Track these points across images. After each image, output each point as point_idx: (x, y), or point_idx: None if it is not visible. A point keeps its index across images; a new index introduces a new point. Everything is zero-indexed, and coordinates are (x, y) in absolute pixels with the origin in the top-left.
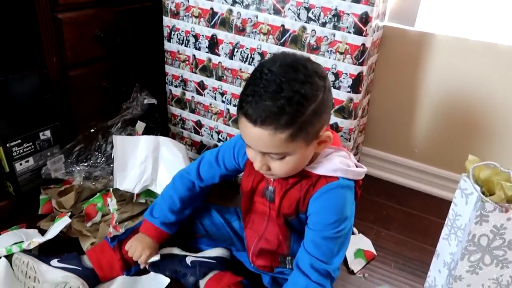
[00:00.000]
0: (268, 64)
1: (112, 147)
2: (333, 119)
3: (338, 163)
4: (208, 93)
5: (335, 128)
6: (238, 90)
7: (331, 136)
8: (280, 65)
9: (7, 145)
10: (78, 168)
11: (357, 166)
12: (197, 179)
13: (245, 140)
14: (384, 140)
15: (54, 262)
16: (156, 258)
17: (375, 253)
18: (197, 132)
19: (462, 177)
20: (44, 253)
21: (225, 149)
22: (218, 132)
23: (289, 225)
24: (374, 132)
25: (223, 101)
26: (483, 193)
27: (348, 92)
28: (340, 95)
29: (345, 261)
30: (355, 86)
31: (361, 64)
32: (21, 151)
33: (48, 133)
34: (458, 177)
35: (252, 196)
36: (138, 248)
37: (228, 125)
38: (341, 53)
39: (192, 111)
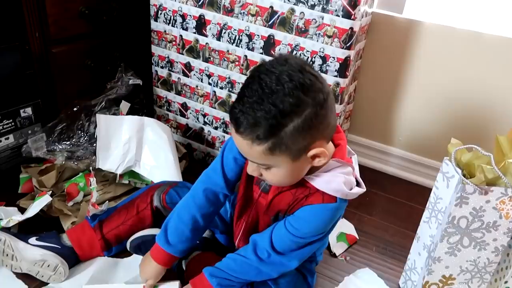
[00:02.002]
0: (263, 69)
1: (96, 126)
2: None
3: (341, 183)
4: (194, 74)
5: None
6: (225, 72)
7: (327, 153)
8: (271, 72)
9: None
10: (60, 147)
11: (357, 182)
12: (224, 183)
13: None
14: (370, 128)
15: (33, 240)
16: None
17: (357, 237)
18: (182, 115)
19: (444, 161)
20: (24, 231)
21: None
22: (204, 115)
23: (276, 220)
24: (360, 120)
25: (209, 83)
26: (464, 175)
27: (335, 76)
28: (327, 79)
29: (327, 245)
30: (342, 71)
31: (348, 48)
32: (1, 127)
33: (29, 110)
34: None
35: (250, 183)
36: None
37: (214, 108)
38: (329, 37)
39: (178, 93)
